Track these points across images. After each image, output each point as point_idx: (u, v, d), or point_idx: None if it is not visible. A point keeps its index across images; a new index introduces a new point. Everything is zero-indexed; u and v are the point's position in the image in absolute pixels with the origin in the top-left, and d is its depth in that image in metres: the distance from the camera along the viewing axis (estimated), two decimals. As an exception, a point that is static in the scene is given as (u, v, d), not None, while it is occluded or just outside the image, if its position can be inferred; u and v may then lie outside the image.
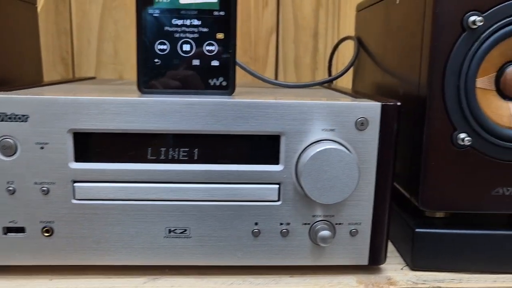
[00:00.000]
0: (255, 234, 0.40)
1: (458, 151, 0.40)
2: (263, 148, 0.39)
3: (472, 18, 0.38)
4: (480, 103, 0.40)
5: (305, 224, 0.40)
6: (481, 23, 0.38)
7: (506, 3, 0.38)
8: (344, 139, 0.39)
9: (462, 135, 0.40)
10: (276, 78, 0.89)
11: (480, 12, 0.38)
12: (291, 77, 0.89)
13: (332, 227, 0.40)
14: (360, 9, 0.65)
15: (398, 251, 0.47)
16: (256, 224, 0.40)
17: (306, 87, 0.56)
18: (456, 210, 0.42)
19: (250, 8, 0.87)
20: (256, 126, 0.38)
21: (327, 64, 0.78)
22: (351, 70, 0.62)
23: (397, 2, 0.48)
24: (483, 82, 0.40)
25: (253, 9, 0.87)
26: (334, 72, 0.78)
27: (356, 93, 0.48)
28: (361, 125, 0.39)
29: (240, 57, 0.89)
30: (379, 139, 0.39)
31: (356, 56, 0.60)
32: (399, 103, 0.39)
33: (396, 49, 0.48)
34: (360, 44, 0.63)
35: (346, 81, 0.82)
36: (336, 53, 0.77)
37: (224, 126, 0.38)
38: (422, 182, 0.41)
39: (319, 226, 0.40)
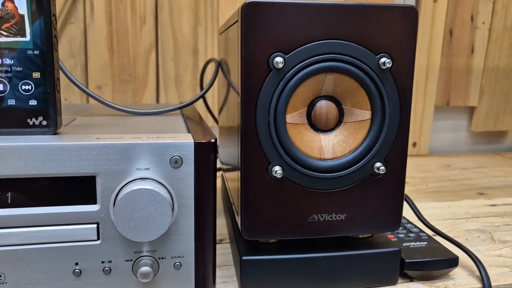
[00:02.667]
0: (76, 274, 0.40)
1: (274, 182, 0.43)
2: (80, 188, 0.39)
3: (276, 59, 0.40)
4: (291, 137, 0.42)
5: (127, 260, 0.41)
6: (283, 64, 0.40)
7: (306, 45, 0.41)
8: (160, 177, 0.40)
9: (276, 168, 0.42)
10: (157, 96, 0.90)
11: (284, 53, 0.40)
12: (173, 94, 0.89)
13: (156, 262, 0.41)
14: (220, 32, 0.66)
15: (237, 277, 0.49)
16: (76, 264, 0.40)
17: (156, 114, 0.57)
18: (276, 237, 0.45)
19: (127, 25, 0.86)
20: (69, 168, 0.38)
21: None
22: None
23: (230, 35, 0.49)
24: (294, 118, 0.42)
25: (130, 25, 0.86)
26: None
27: (194, 124, 0.50)
28: (175, 163, 0.40)
29: (118, 74, 0.88)
30: (195, 175, 0.40)
31: (213, 80, 0.62)
32: (213, 140, 0.41)
33: (230, 81, 0.50)
34: (220, 67, 0.64)
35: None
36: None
37: (35, 170, 0.38)
38: (243, 212, 0.43)
39: (141, 262, 0.41)
